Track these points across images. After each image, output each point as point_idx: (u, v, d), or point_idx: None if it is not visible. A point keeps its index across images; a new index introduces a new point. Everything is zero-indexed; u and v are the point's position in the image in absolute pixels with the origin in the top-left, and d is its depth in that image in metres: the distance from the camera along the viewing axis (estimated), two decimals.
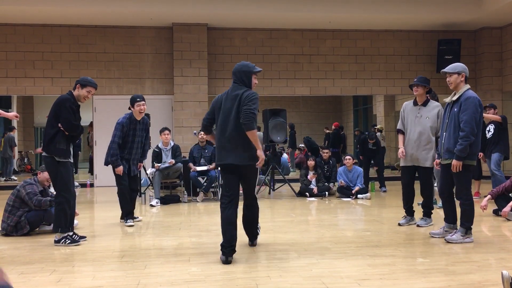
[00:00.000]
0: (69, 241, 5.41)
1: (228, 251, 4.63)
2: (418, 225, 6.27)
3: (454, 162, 5.19)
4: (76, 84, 5.51)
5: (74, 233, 5.61)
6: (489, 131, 8.90)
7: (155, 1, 11.48)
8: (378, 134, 15.63)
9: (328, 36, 13.41)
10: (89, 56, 12.52)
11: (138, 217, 7.20)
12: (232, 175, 4.85)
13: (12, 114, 5.92)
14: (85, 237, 5.69)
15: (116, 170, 6.69)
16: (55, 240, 5.44)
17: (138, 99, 6.76)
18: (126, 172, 6.77)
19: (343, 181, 9.59)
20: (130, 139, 6.76)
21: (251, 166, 4.79)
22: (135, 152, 6.84)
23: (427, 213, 6.34)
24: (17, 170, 16.56)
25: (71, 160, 5.55)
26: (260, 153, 4.74)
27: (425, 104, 6.19)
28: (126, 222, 6.74)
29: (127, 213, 6.79)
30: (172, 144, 9.39)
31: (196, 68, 12.59)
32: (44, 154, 5.41)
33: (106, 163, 6.85)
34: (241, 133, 4.67)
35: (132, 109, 6.82)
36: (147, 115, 9.73)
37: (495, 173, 8.55)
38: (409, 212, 6.48)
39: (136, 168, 6.93)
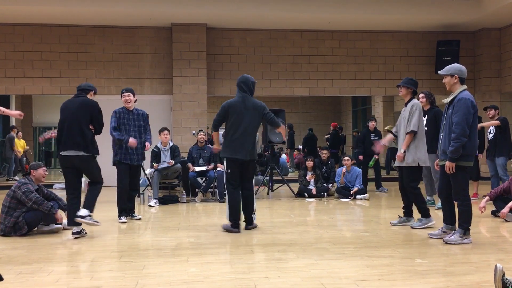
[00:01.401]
0: (93, 220, 5.82)
1: (237, 224, 6.04)
2: (411, 227, 6.26)
3: (447, 163, 5.23)
4: (90, 91, 6.06)
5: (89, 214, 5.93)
6: (490, 132, 8.87)
7: (155, 1, 11.48)
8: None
9: (327, 37, 13.42)
10: (88, 56, 12.51)
11: (137, 215, 7.28)
12: (238, 167, 6.08)
13: (16, 112, 5.90)
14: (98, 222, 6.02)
15: (130, 144, 6.90)
16: (81, 215, 5.72)
17: (124, 91, 7.21)
18: (126, 170, 7.03)
19: (343, 179, 9.61)
20: (126, 128, 7.03)
21: (254, 161, 6.17)
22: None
23: (422, 213, 6.28)
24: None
25: None
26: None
27: (406, 104, 6.34)
28: (119, 219, 6.95)
29: (121, 211, 7.01)
30: (171, 144, 9.40)
31: (195, 68, 12.58)
32: (81, 153, 5.75)
33: (114, 164, 7.12)
34: (253, 135, 6.09)
35: (122, 100, 7.20)
36: (147, 115, 9.74)
37: (504, 178, 8.45)
38: (406, 212, 6.47)
39: (139, 158, 7.18)
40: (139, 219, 7.21)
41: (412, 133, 6.15)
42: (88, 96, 6.03)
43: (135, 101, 7.26)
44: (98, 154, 5.95)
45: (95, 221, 5.87)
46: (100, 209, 8.75)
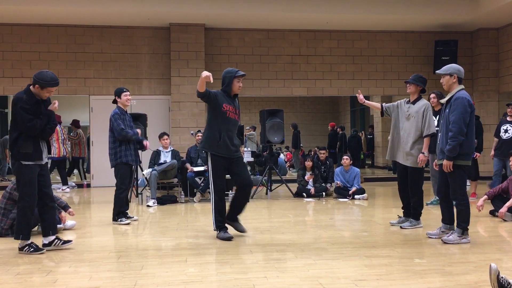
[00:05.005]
0: (32, 249, 5.05)
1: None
2: (401, 227, 6.25)
3: (445, 162, 5.26)
4: (35, 84, 4.95)
5: (57, 237, 5.27)
6: (506, 131, 8.61)
7: (153, 1, 11.46)
8: None
9: (325, 37, 13.42)
10: (86, 56, 12.49)
11: (133, 217, 7.10)
12: None
13: None
14: (70, 240, 5.36)
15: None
16: (19, 248, 5.09)
17: (124, 89, 7.05)
18: (129, 171, 6.91)
19: (339, 182, 9.59)
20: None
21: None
22: (131, 143, 6.92)
23: (413, 215, 6.25)
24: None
25: (43, 162, 5.13)
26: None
27: (414, 102, 6.19)
28: (122, 221, 6.79)
29: (118, 213, 6.87)
30: (171, 148, 9.64)
31: (193, 69, 12.57)
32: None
33: (112, 166, 6.85)
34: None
35: (118, 100, 6.96)
36: (144, 115, 9.80)
37: None
38: (406, 213, 6.43)
39: (137, 159, 7.09)
40: (133, 221, 7.01)
41: (432, 135, 6.06)
42: (34, 89, 4.96)
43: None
44: (24, 159, 4.92)
45: (40, 249, 5.08)
46: (98, 209, 8.76)
